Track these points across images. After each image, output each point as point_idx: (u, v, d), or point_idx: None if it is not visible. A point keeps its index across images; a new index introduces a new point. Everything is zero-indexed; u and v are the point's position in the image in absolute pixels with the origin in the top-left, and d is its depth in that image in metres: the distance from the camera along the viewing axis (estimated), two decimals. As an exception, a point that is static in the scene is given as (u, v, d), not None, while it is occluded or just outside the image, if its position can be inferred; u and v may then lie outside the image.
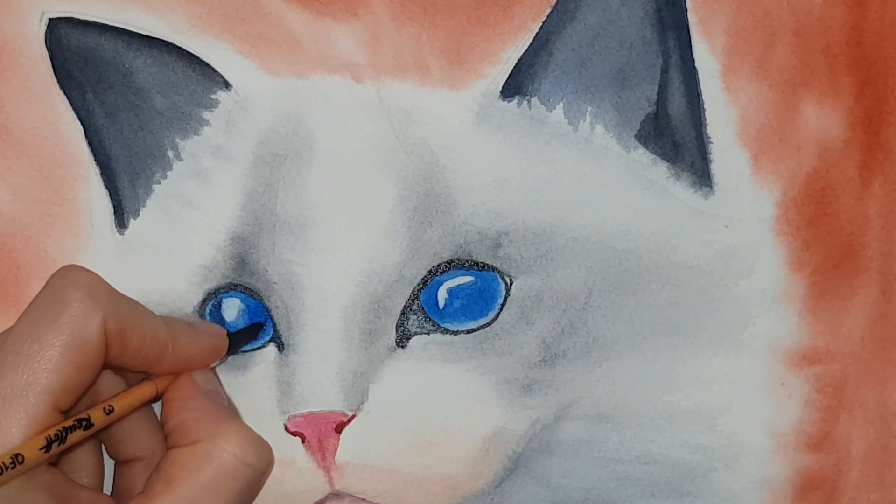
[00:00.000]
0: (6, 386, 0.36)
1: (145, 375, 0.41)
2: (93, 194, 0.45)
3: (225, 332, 0.43)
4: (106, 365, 0.39)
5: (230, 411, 0.42)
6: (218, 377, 0.44)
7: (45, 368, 0.37)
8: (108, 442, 0.42)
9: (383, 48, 0.44)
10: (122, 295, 0.39)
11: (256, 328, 0.44)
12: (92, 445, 0.42)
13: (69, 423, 0.37)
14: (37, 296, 0.39)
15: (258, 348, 0.45)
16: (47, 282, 0.39)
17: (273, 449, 0.43)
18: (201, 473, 0.38)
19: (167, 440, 0.40)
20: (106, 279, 0.39)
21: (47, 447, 0.36)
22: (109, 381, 0.41)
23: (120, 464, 0.43)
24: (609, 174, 0.44)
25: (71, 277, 0.38)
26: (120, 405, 0.40)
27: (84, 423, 0.38)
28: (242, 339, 0.44)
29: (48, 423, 0.37)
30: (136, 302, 0.40)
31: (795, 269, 0.45)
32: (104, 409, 0.39)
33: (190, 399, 0.41)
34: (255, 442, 0.39)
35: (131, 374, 0.42)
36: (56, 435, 0.37)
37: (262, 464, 0.39)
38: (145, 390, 0.41)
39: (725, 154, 0.44)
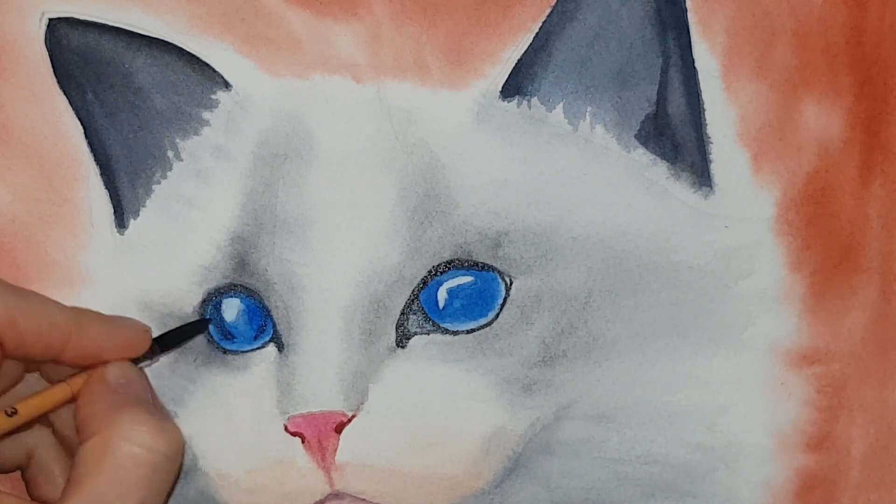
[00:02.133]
0: None
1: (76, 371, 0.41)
2: (93, 194, 0.45)
3: (148, 328, 0.43)
4: (8, 356, 0.38)
5: (136, 401, 0.40)
6: (143, 373, 0.43)
7: None
8: (69, 454, 0.42)
9: (383, 48, 0.44)
10: (11, 286, 0.39)
11: (201, 325, 0.44)
12: (61, 456, 0.42)
13: None
14: None
15: (258, 348, 0.45)
16: None
17: (273, 449, 0.43)
18: (103, 467, 0.37)
19: (78, 438, 0.39)
20: (106, 279, 0.39)
21: None
22: (33, 386, 0.41)
23: None
24: (609, 174, 0.44)
25: None
26: (27, 407, 0.39)
27: None
28: (183, 335, 0.44)
29: None
30: (29, 292, 0.40)
31: (795, 269, 0.45)
32: (6, 411, 0.38)
33: (94, 394, 0.40)
34: (152, 426, 0.38)
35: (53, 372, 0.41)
36: None
37: (162, 446, 0.38)
38: (56, 392, 0.40)
39: (725, 154, 0.44)
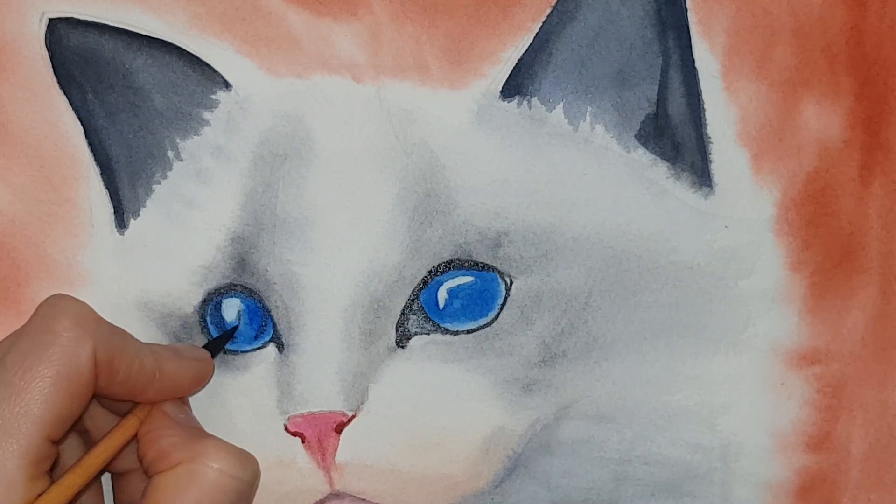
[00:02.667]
0: None
1: (131, 404, 0.41)
2: (93, 194, 0.45)
3: (209, 354, 0.43)
4: (94, 394, 0.39)
5: (206, 431, 0.42)
6: (188, 404, 0.44)
7: (37, 399, 0.36)
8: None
9: (383, 48, 0.44)
10: (110, 324, 0.39)
11: (229, 334, 0.44)
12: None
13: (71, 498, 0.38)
14: (26, 325, 0.38)
15: (258, 348, 0.45)
16: (35, 311, 0.38)
17: (273, 449, 0.43)
18: (188, 493, 0.38)
19: (148, 471, 0.40)
20: (106, 279, 0.39)
21: None
22: (94, 411, 0.42)
23: (117, 477, 0.43)
24: (609, 174, 0.44)
25: (60, 307, 0.38)
26: (109, 453, 0.40)
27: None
28: (218, 347, 0.44)
29: (41, 454, 0.37)
30: (123, 330, 0.40)
31: (795, 269, 0.45)
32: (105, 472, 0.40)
33: (164, 428, 0.40)
34: (237, 454, 0.39)
35: (116, 402, 0.42)
36: None
37: (247, 474, 0.39)
38: (127, 428, 0.41)
39: (725, 154, 0.44)
